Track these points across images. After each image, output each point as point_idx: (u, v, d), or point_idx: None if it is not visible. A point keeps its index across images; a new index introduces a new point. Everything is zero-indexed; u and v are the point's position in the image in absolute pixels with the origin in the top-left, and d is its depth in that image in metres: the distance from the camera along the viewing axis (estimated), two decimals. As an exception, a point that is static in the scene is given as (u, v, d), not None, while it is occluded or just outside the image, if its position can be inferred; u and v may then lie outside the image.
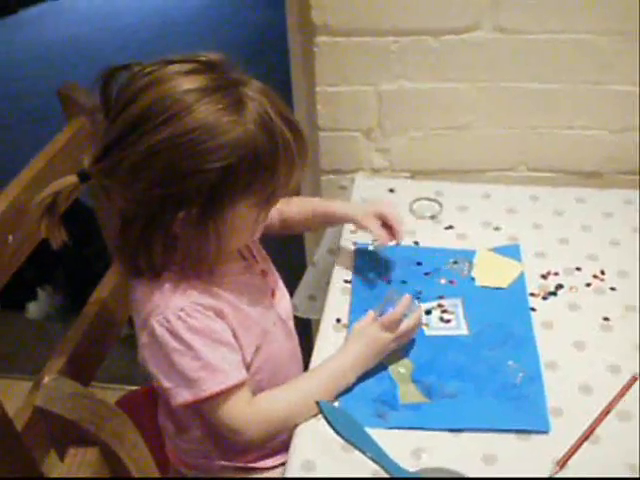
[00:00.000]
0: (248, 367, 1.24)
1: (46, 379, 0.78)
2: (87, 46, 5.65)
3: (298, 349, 1.42)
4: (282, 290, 1.38)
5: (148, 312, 1.16)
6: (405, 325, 1.28)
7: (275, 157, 1.08)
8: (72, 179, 1.12)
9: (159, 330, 1.14)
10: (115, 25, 6.17)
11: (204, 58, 1.10)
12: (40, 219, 1.12)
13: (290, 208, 1.50)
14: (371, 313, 1.29)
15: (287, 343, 1.36)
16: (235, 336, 1.21)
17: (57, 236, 1.14)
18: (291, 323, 1.38)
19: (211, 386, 1.15)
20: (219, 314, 1.18)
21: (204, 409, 1.20)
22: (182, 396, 1.16)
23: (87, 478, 0.77)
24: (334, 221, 1.55)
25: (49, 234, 1.13)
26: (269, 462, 1.36)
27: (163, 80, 1.05)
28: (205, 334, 1.15)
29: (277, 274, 1.39)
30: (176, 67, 1.07)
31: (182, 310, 1.13)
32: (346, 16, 1.68)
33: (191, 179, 1.05)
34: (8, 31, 6.27)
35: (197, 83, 1.05)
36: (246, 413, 1.20)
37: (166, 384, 1.17)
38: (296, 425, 1.21)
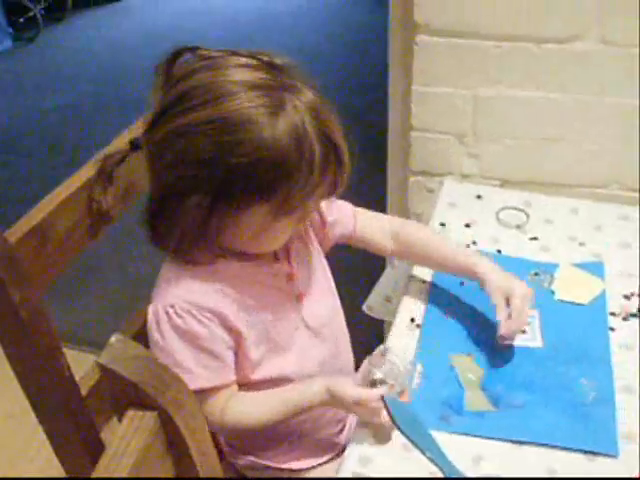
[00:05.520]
0: (254, 367, 1.24)
1: (112, 339, 0.79)
2: (187, 35, 5.77)
3: (338, 357, 1.37)
4: (319, 297, 1.33)
5: (151, 297, 1.18)
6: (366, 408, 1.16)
7: (295, 171, 1.04)
8: (124, 146, 1.16)
9: (149, 317, 1.16)
10: (216, 17, 6.29)
11: (266, 58, 1.09)
12: (93, 181, 1.16)
13: (418, 240, 1.45)
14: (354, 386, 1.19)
15: (314, 350, 1.32)
16: (239, 338, 1.20)
17: (105, 200, 1.18)
18: (327, 330, 1.34)
19: None
20: (218, 316, 1.16)
21: None
22: None
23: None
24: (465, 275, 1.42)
25: (97, 196, 1.17)
26: (300, 464, 1.38)
27: (218, 67, 1.06)
28: (186, 337, 1.14)
29: (322, 281, 1.35)
30: (235, 59, 1.07)
31: (172, 307, 1.14)
32: (449, 17, 1.67)
33: (207, 167, 1.04)
34: (114, 17, 6.48)
35: (246, 76, 1.04)
36: (215, 417, 1.20)
37: None
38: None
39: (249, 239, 1.14)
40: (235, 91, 1.02)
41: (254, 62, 1.07)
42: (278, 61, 1.09)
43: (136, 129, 1.26)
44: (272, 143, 1.02)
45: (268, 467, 1.37)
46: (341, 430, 1.41)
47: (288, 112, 1.03)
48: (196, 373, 1.16)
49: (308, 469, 1.38)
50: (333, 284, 1.38)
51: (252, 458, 1.38)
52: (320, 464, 1.39)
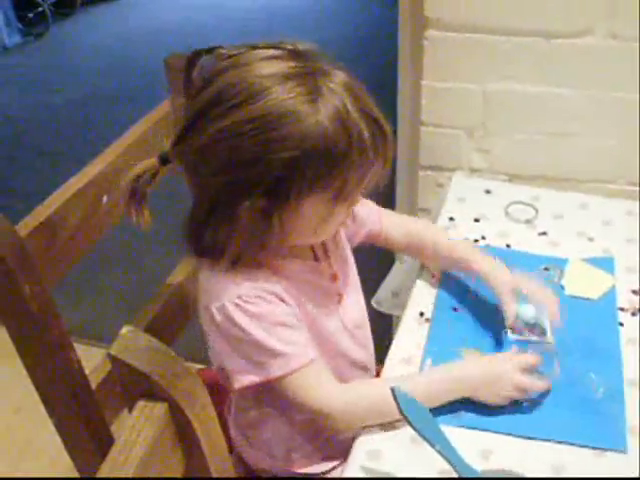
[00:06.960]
0: None
1: (124, 330, 0.79)
2: (195, 30, 5.79)
3: (367, 359, 1.37)
4: (354, 299, 1.33)
5: (209, 298, 1.14)
6: (533, 384, 1.21)
7: (347, 153, 1.02)
8: (152, 162, 1.11)
9: (218, 317, 1.12)
10: (223, 12, 6.30)
11: (289, 46, 1.06)
12: (126, 202, 1.12)
13: (426, 236, 1.46)
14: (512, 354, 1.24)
15: (351, 352, 1.31)
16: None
17: (143, 219, 1.13)
18: (360, 332, 1.33)
19: (273, 370, 1.12)
20: (281, 299, 1.14)
21: (281, 391, 1.16)
22: (247, 378, 1.14)
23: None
24: (465, 271, 1.44)
25: (135, 217, 1.13)
26: (312, 469, 1.36)
27: (242, 64, 1.03)
28: (264, 319, 1.11)
29: (355, 282, 1.34)
30: (258, 52, 1.04)
31: (239, 297, 1.10)
32: (458, 12, 1.67)
33: (255, 168, 1.01)
34: (123, 12, 6.50)
35: (275, 69, 1.01)
36: (329, 392, 1.16)
37: (229, 366, 1.15)
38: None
39: (311, 230, 1.12)
40: (268, 86, 1.00)
41: (278, 52, 1.05)
42: (301, 47, 1.07)
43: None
44: (317, 131, 1.00)
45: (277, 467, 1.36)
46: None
47: (326, 96, 1.01)
48: (290, 352, 1.12)
49: (323, 473, 1.36)
50: (360, 284, 1.37)
51: (263, 456, 1.37)
52: (333, 468, 1.37)
